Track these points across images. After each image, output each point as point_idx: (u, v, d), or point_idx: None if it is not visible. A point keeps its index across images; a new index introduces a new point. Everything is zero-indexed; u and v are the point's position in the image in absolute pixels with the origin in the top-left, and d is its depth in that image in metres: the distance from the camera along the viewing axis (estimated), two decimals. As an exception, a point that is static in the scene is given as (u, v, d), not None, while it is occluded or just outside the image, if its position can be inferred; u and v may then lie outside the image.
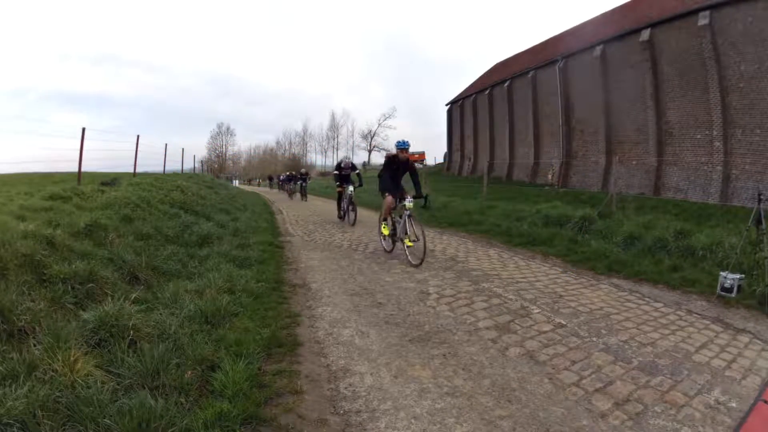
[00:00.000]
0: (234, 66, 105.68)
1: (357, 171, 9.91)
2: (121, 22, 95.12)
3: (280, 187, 21.99)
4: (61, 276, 3.16)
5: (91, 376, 2.15)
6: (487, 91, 27.43)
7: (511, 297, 4.03)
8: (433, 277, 4.74)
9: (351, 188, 9.29)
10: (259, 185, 51.08)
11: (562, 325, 3.33)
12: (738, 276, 3.85)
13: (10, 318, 2.44)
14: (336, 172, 10.13)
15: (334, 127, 68.05)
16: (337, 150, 67.86)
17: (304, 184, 18.95)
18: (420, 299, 4.01)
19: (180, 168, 18.75)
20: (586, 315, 3.56)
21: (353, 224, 8.85)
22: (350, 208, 9.28)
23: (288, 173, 26.01)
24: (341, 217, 9.76)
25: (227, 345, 2.73)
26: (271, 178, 41.99)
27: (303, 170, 22.58)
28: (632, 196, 13.17)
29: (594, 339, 3.08)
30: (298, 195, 20.21)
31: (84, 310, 2.88)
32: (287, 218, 10.94)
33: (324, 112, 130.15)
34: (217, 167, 61.13)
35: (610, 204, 8.83)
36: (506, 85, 24.85)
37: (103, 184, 8.59)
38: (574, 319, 3.47)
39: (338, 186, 9.77)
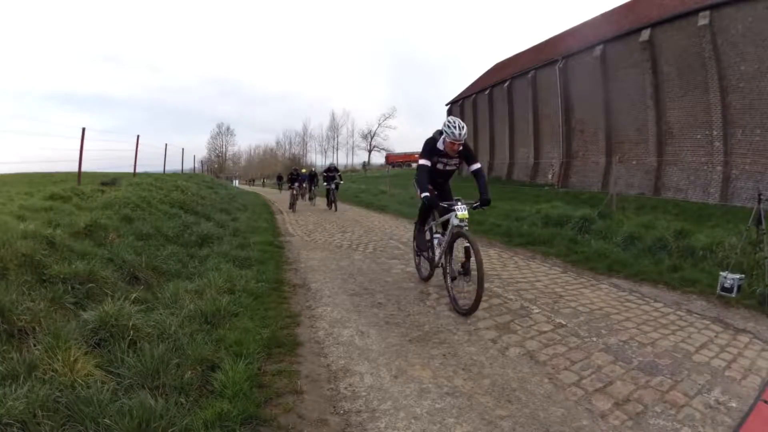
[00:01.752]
0: (234, 66, 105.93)
1: (477, 167, 4.03)
2: (122, 23, 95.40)
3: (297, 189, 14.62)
4: (61, 276, 3.16)
5: (91, 376, 2.15)
6: (487, 92, 27.43)
7: (511, 297, 4.03)
8: (432, 277, 4.73)
9: (463, 209, 3.69)
10: (263, 186, 47.18)
11: (562, 325, 3.33)
12: (738, 276, 3.85)
13: (10, 318, 2.44)
14: (425, 162, 3.90)
15: (334, 127, 68.13)
16: (337, 150, 67.76)
17: (333, 187, 12.87)
18: (420, 299, 4.01)
19: (180, 168, 18.79)
20: (586, 315, 3.56)
21: (467, 312, 3.48)
22: (463, 254, 3.64)
23: (295, 170, 17.91)
24: (425, 278, 4.53)
25: (227, 345, 2.73)
26: (280, 178, 33.82)
27: (330, 163, 14.60)
28: (632, 196, 13.20)
29: (594, 339, 3.08)
30: (303, 200, 15.49)
31: (84, 310, 2.88)
32: (288, 219, 10.93)
33: (324, 112, 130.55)
34: (217, 167, 61.07)
35: (610, 204, 8.82)
36: (506, 85, 24.85)
37: (103, 184, 8.61)
38: (574, 319, 3.47)
39: (425, 199, 3.78)
